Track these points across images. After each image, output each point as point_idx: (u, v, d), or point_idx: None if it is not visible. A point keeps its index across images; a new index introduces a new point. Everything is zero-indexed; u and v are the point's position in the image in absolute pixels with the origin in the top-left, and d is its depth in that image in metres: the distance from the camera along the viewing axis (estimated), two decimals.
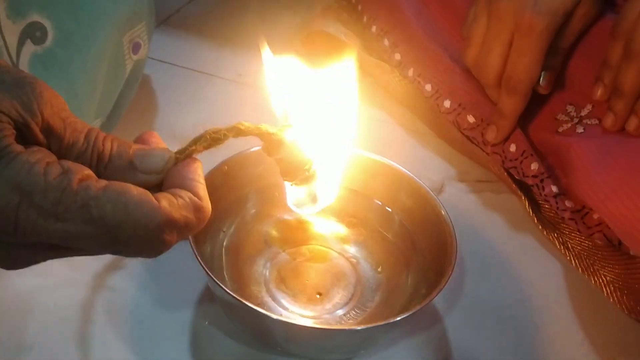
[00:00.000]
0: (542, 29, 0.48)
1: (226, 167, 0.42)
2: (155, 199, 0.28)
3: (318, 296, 0.41)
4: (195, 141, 0.31)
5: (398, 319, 0.35)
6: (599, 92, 0.49)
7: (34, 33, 0.41)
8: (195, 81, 0.62)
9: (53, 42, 0.42)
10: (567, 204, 0.48)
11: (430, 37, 0.59)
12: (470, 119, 0.55)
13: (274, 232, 0.44)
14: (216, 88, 0.62)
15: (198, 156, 0.31)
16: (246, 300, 0.35)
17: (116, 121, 0.51)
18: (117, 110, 0.51)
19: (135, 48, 0.50)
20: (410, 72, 0.58)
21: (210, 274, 0.35)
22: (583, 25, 0.52)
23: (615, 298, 0.46)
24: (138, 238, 0.27)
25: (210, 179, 0.41)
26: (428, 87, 0.57)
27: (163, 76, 0.62)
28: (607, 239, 0.46)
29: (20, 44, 0.41)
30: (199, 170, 0.30)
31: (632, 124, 0.46)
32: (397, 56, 0.60)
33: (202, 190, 0.30)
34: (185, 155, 0.30)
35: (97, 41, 0.44)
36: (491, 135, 0.53)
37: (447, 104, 0.56)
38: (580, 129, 0.50)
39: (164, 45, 0.65)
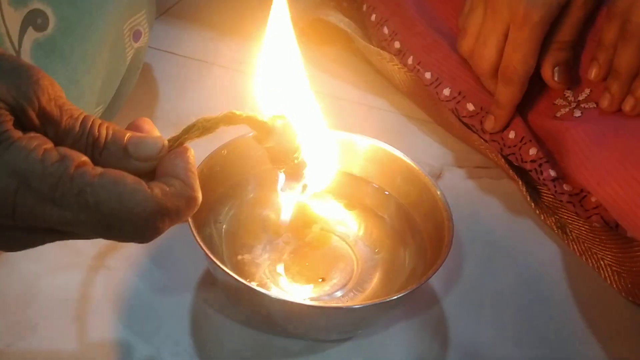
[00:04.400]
0: (537, 21, 0.49)
1: (225, 151, 0.43)
2: (149, 187, 0.28)
3: (320, 280, 0.42)
4: (188, 130, 0.31)
5: (395, 297, 0.36)
6: (593, 72, 0.49)
7: (35, 20, 0.41)
8: (196, 70, 0.63)
9: (54, 30, 0.42)
10: (565, 187, 0.48)
11: (429, 25, 0.60)
12: (470, 107, 0.55)
13: (273, 216, 0.44)
14: (217, 77, 0.62)
15: (194, 143, 0.32)
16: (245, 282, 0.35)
17: (117, 109, 0.52)
18: (118, 98, 0.51)
19: (136, 36, 0.50)
20: (410, 60, 0.59)
21: (210, 255, 0.36)
22: (583, 15, 0.51)
23: (613, 280, 0.46)
24: (131, 225, 0.28)
25: (209, 163, 0.42)
26: (428, 75, 0.57)
27: (164, 65, 0.62)
28: (604, 222, 0.46)
29: (22, 31, 0.41)
30: (191, 158, 0.31)
31: (628, 104, 0.47)
32: (397, 44, 0.60)
33: (194, 179, 0.30)
34: (178, 144, 0.31)
35: (98, 28, 0.44)
36: (489, 124, 0.53)
37: (446, 92, 0.56)
38: (577, 113, 0.50)
39: (165, 35, 0.66)
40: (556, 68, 0.51)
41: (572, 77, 0.52)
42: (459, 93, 0.55)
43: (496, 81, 0.52)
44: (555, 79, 0.51)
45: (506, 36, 0.51)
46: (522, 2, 0.48)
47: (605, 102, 0.48)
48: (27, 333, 0.39)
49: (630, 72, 0.46)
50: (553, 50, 0.51)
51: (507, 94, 0.51)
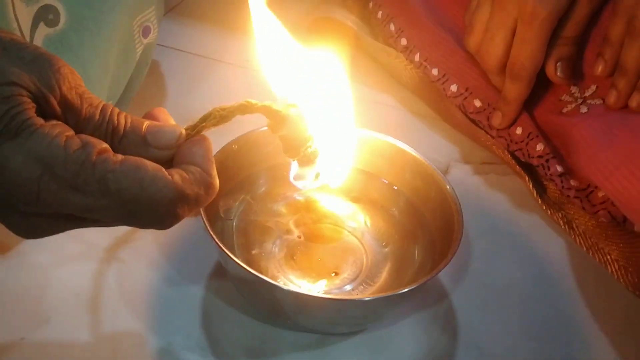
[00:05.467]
0: (544, 16, 0.49)
1: (236, 146, 0.43)
2: (169, 174, 0.29)
3: (333, 275, 0.42)
4: (204, 119, 0.32)
5: (405, 290, 0.36)
6: (600, 68, 0.50)
7: (46, 16, 0.42)
8: (203, 67, 0.63)
9: (65, 25, 0.42)
10: (572, 182, 0.49)
11: (435, 21, 0.60)
12: (477, 103, 0.55)
13: (283, 211, 0.45)
14: (224, 74, 0.63)
15: (208, 134, 0.32)
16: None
17: (126, 105, 0.52)
18: (127, 93, 0.51)
19: (145, 32, 0.50)
20: (417, 57, 0.59)
21: (222, 247, 0.36)
22: (590, 12, 0.52)
23: (620, 275, 0.47)
24: (152, 211, 0.28)
25: (220, 158, 0.42)
26: (434, 71, 0.58)
27: (172, 62, 0.63)
28: (611, 216, 0.46)
29: (34, 26, 0.41)
30: (209, 147, 0.32)
31: (634, 101, 0.47)
32: (403, 41, 0.60)
33: (212, 166, 0.31)
34: (195, 132, 0.31)
35: (108, 24, 0.45)
36: (496, 120, 0.53)
37: (453, 88, 0.56)
38: (584, 109, 0.51)
39: (173, 32, 0.66)
40: (559, 63, 0.51)
41: (578, 73, 0.53)
42: (466, 89, 0.56)
43: (503, 77, 0.53)
44: (558, 74, 0.51)
45: (513, 32, 0.51)
46: None
47: (611, 99, 0.48)
48: (40, 325, 0.39)
49: (637, 68, 0.47)
50: (557, 46, 0.51)
51: (514, 90, 0.51)
